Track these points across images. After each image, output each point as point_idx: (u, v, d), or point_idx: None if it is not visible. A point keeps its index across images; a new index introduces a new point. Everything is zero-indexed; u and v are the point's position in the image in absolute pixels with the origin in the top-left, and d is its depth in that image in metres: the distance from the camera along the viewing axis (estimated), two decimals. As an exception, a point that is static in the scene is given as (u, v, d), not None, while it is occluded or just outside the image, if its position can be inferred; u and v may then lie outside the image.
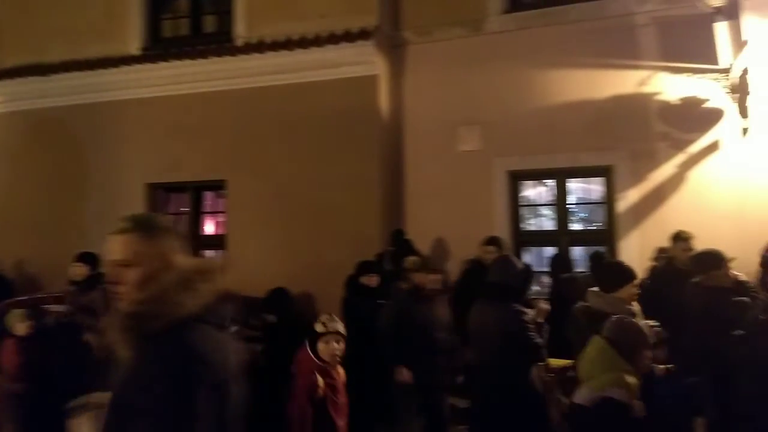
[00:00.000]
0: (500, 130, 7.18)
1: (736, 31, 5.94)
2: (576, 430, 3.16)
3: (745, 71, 5.80)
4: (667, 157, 6.58)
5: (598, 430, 2.90)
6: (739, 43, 5.88)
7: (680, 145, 6.54)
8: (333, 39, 7.28)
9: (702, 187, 6.43)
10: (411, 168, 7.61)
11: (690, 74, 6.52)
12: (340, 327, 3.93)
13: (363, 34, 7.17)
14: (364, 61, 7.24)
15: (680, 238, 5.56)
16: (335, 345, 3.85)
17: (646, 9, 6.70)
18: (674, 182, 6.55)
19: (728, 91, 6.26)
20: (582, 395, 3.00)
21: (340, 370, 4.00)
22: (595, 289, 3.81)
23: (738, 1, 5.89)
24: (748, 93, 5.85)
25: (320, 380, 3.77)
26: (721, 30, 6.31)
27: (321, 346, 3.85)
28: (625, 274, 3.78)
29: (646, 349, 3.08)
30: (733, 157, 6.31)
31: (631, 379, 2.95)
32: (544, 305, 4.53)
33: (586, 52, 6.94)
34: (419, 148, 7.56)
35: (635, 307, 3.70)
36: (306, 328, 4.09)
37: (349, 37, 7.21)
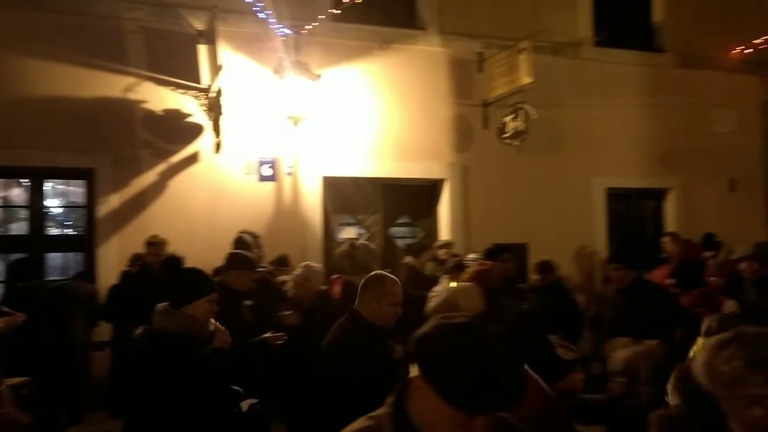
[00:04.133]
0: (-41, 117, 5.85)
1: (214, 56, 6.27)
2: None
3: (220, 93, 6.17)
4: (150, 165, 6.47)
5: None
6: (216, 67, 6.22)
7: (163, 155, 6.52)
8: None
9: (182, 195, 6.54)
10: None
11: (174, 88, 6.58)
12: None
13: None
14: None
15: (152, 243, 5.48)
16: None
17: (135, 17, 6.48)
18: (156, 189, 6.48)
19: (206, 109, 6.56)
20: None
21: None
22: (164, 304, 2.90)
23: (216, 29, 6.23)
24: (221, 113, 6.24)
25: None
26: (202, 52, 6.58)
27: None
28: (199, 285, 2.93)
29: None
30: (208, 168, 6.63)
31: None
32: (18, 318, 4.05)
33: (70, 46, 6.27)
34: None
35: (212, 325, 2.96)
36: None
37: None
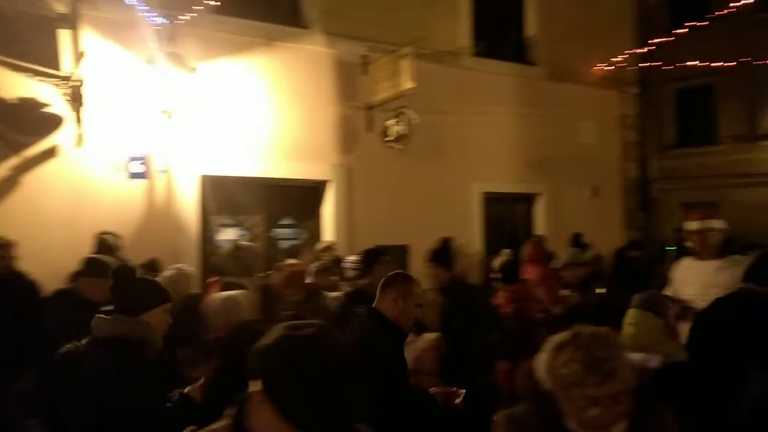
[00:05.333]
0: None
1: (76, 41, 5.69)
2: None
3: (82, 81, 5.61)
4: (1, 159, 5.76)
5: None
6: (78, 53, 5.65)
7: (15, 147, 5.80)
8: None
9: (37, 193, 5.86)
10: None
11: (31, 75, 5.88)
12: None
13: None
14: None
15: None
16: None
17: (-16, -5, 5.75)
18: (7, 186, 5.75)
19: (68, 98, 5.93)
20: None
21: None
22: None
23: (78, 12, 5.66)
24: (82, 103, 5.67)
25: None
26: (64, 37, 5.94)
27: None
28: (156, 293, 2.80)
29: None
30: (69, 163, 6.00)
31: None
32: None
33: None
34: None
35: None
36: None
37: None
